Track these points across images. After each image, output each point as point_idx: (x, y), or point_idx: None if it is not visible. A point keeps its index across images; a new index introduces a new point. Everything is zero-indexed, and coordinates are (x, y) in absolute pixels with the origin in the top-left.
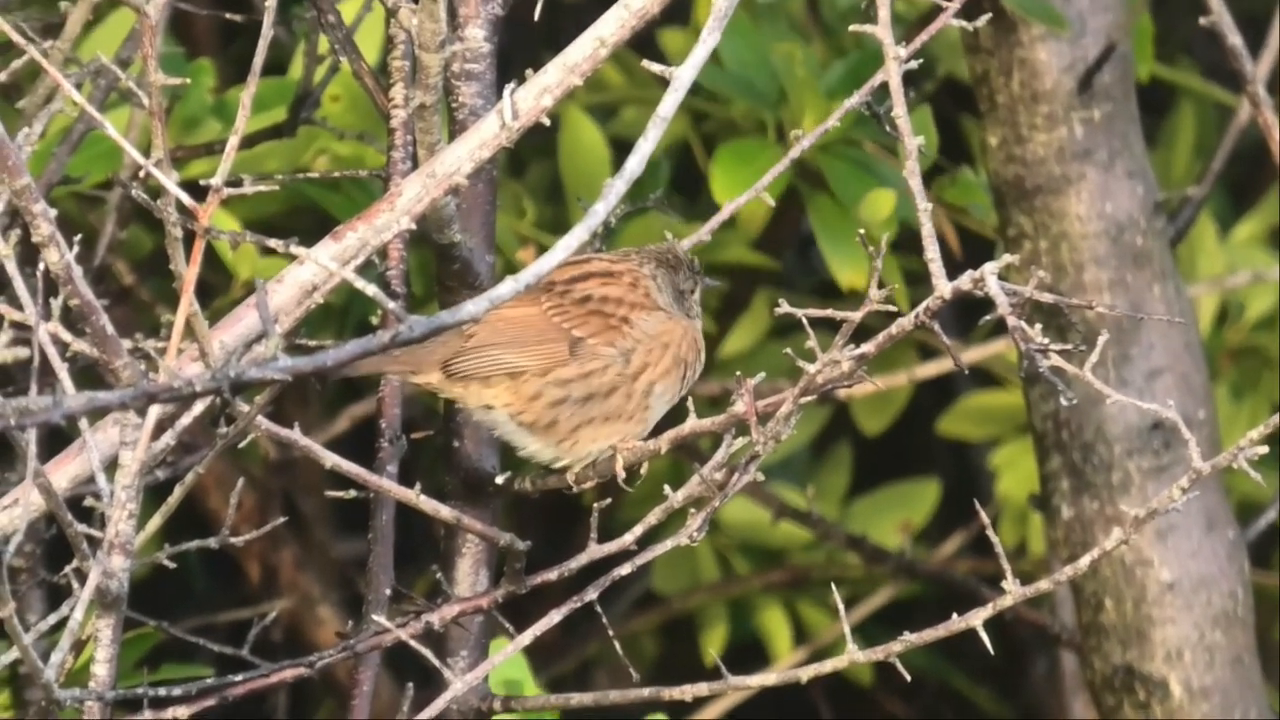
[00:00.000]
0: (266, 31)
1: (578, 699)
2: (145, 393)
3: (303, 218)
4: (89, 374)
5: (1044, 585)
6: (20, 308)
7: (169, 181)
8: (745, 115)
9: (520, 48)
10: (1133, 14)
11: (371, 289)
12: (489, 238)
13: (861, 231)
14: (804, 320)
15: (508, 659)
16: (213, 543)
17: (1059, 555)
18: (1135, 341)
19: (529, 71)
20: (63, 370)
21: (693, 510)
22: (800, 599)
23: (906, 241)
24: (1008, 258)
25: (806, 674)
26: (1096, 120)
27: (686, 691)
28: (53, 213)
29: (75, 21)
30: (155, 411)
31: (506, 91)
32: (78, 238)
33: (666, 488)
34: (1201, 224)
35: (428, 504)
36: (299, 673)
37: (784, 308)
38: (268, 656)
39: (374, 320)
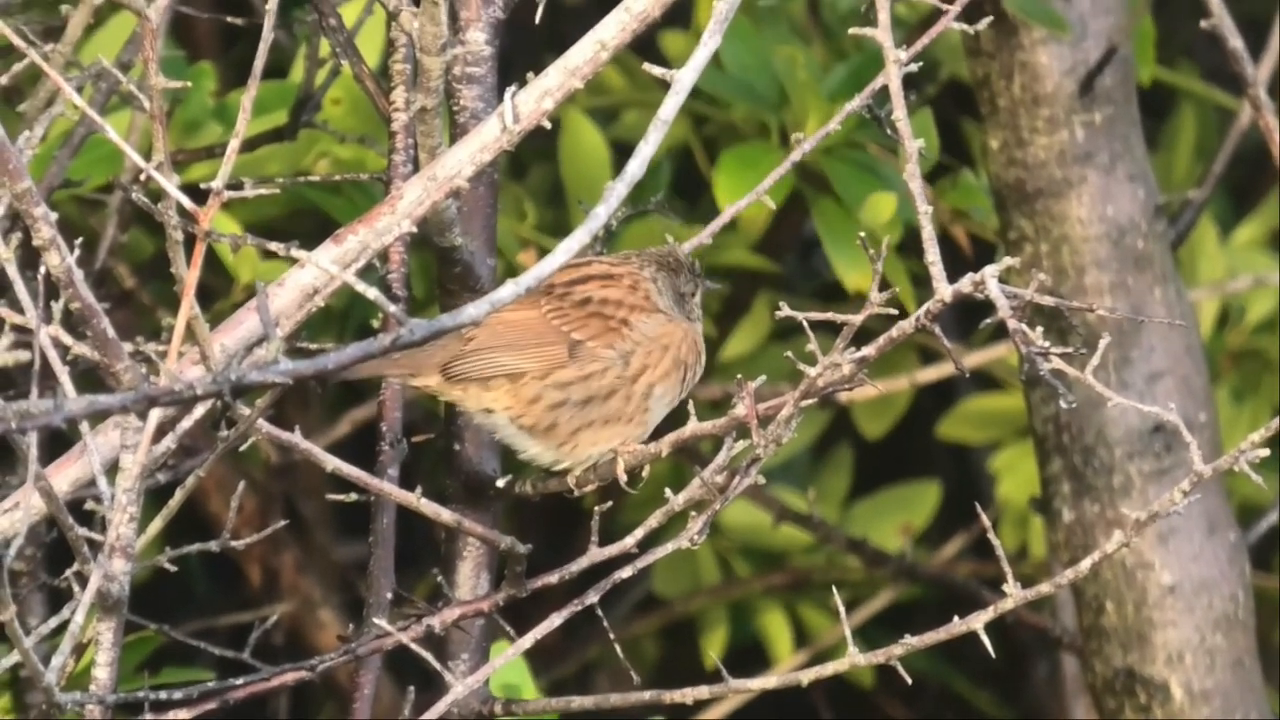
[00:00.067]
0: (267, 35)
1: (579, 702)
2: (146, 396)
3: (304, 221)
4: (90, 377)
5: (1045, 588)
6: (21, 311)
7: (170, 185)
8: (746, 118)
9: (521, 51)
10: (1134, 17)
11: (372, 292)
12: (490, 241)
13: (863, 235)
14: (805, 323)
15: (508, 662)
16: (214, 546)
17: (1060, 558)
18: (1136, 344)
19: (530, 74)
20: (64, 373)
21: (694, 513)
22: (801, 602)
23: (911, 243)
24: (1008, 261)
25: (807, 677)
26: (1097, 123)
27: (688, 694)
28: (54, 216)
29: (76, 25)
30: (156, 415)
31: (508, 94)
32: (79, 241)
33: (667, 491)
34: (1202, 227)
35: (429, 507)
36: (300, 676)
37: (785, 311)
38: (269, 660)
39: (375, 323)
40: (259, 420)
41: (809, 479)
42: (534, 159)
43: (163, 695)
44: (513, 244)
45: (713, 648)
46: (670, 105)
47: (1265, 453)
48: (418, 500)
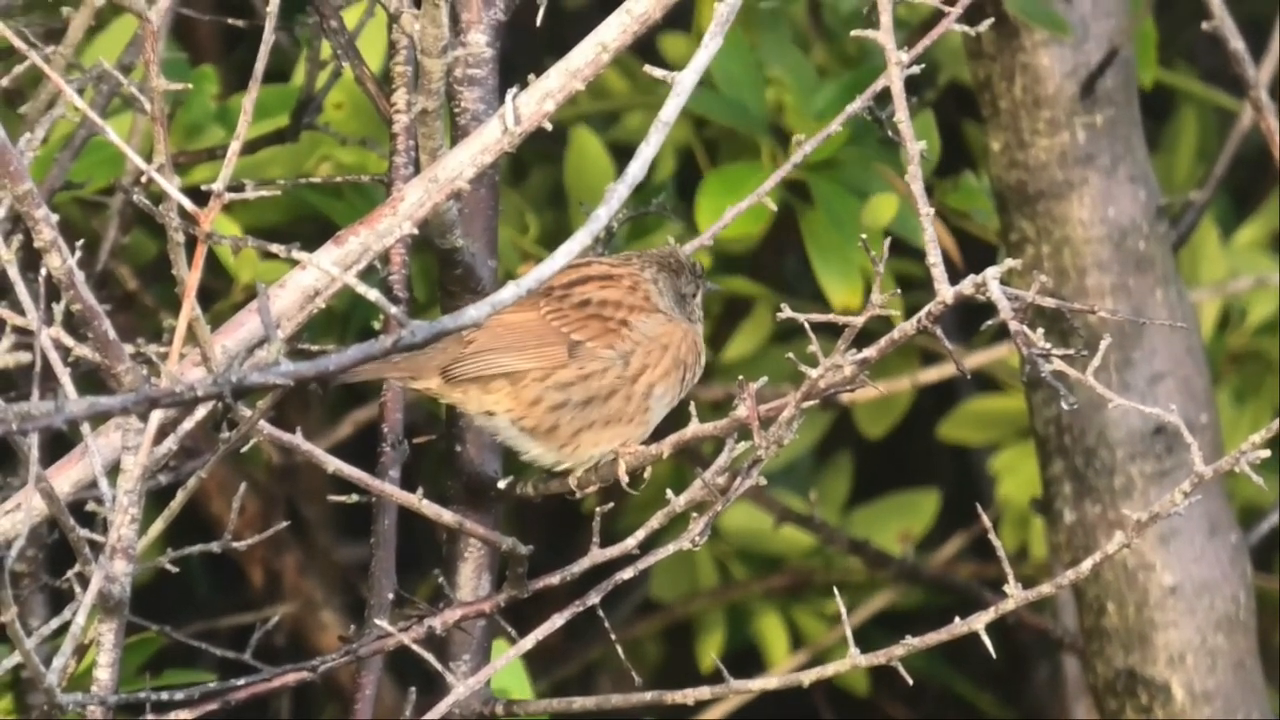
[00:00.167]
0: (268, 37)
1: (580, 703)
2: (147, 398)
3: (305, 223)
4: (91, 379)
5: (1046, 589)
6: (22, 313)
7: (171, 187)
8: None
9: (522, 53)
10: (1135, 19)
11: (374, 294)
12: (491, 243)
13: (864, 236)
14: (806, 325)
15: (509, 663)
16: (215, 547)
17: (1061, 559)
18: (1137, 346)
19: (531, 76)
20: (65, 375)
21: (695, 514)
22: (797, 607)
23: (897, 247)
24: (1010, 262)
25: (808, 678)
26: (1099, 125)
27: (689, 695)
28: (55, 218)
29: (77, 27)
30: (157, 416)
31: (509, 96)
32: (80, 243)
33: (669, 492)
34: (1204, 229)
35: (430, 509)
36: (302, 677)
37: (786, 312)
38: (270, 661)
39: (376, 325)
40: (260, 422)
41: (810, 481)
42: (535, 161)
43: (164, 696)
44: (513, 255)
45: (710, 651)
46: (672, 106)
47: (1266, 454)
48: (419, 501)
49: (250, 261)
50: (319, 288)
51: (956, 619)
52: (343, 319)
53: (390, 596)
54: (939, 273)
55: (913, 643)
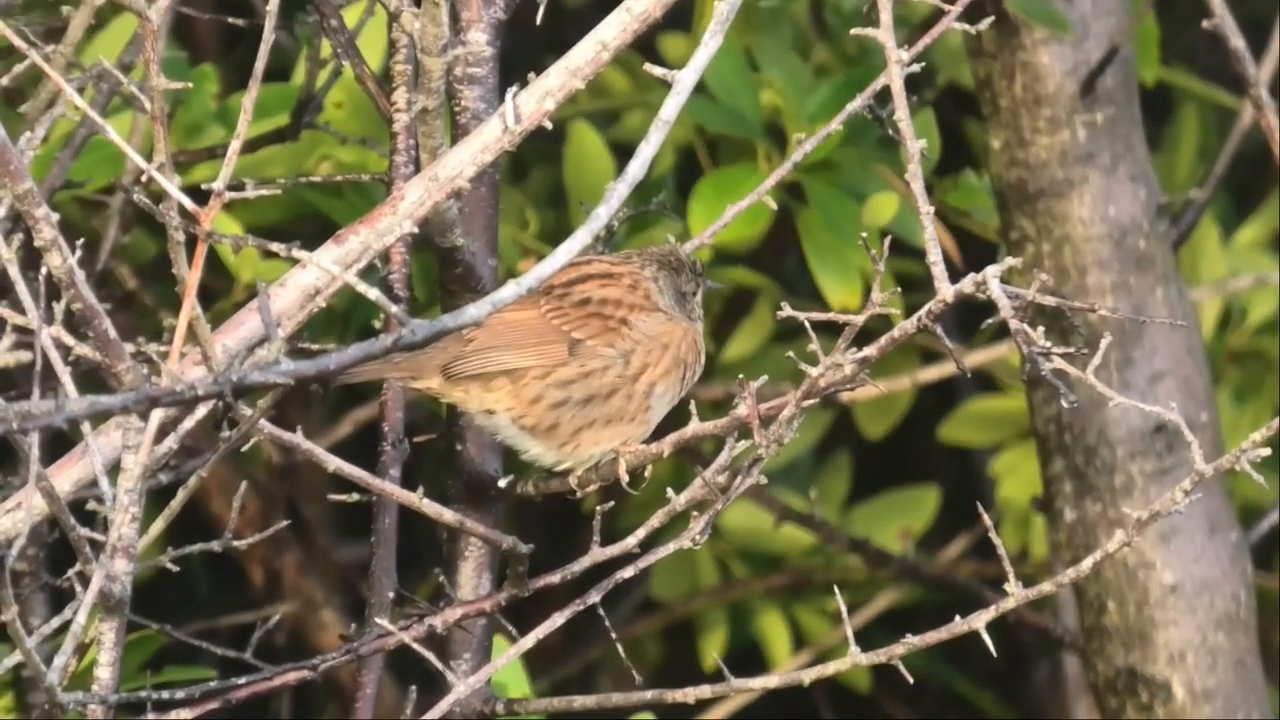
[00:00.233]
0: (269, 36)
1: (581, 701)
2: (148, 397)
3: (305, 222)
4: (91, 378)
5: (1046, 587)
6: (23, 312)
7: (171, 186)
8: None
9: (523, 51)
10: (1136, 17)
11: (374, 293)
12: (491, 241)
13: (864, 235)
14: (806, 324)
15: (510, 662)
16: (216, 546)
17: (1062, 558)
18: (1138, 345)
19: (531, 75)
20: (65, 374)
21: (695, 513)
22: (799, 605)
23: (897, 246)
24: (1010, 261)
25: (809, 676)
26: (1099, 123)
27: (689, 694)
28: (55, 217)
29: (77, 26)
30: (158, 415)
31: (509, 95)
32: (80, 242)
33: (669, 491)
34: (1204, 227)
35: (430, 507)
36: (302, 676)
37: (787, 311)
38: (271, 660)
39: (376, 324)
40: (261, 421)
41: (810, 480)
42: (535, 160)
43: (165, 695)
44: (514, 252)
45: (712, 649)
46: (672, 105)
47: (1266, 452)
48: (420, 500)
49: (251, 260)
50: (319, 286)
51: (957, 618)
52: (343, 318)
53: (391, 595)
54: (939, 271)
55: (913, 641)
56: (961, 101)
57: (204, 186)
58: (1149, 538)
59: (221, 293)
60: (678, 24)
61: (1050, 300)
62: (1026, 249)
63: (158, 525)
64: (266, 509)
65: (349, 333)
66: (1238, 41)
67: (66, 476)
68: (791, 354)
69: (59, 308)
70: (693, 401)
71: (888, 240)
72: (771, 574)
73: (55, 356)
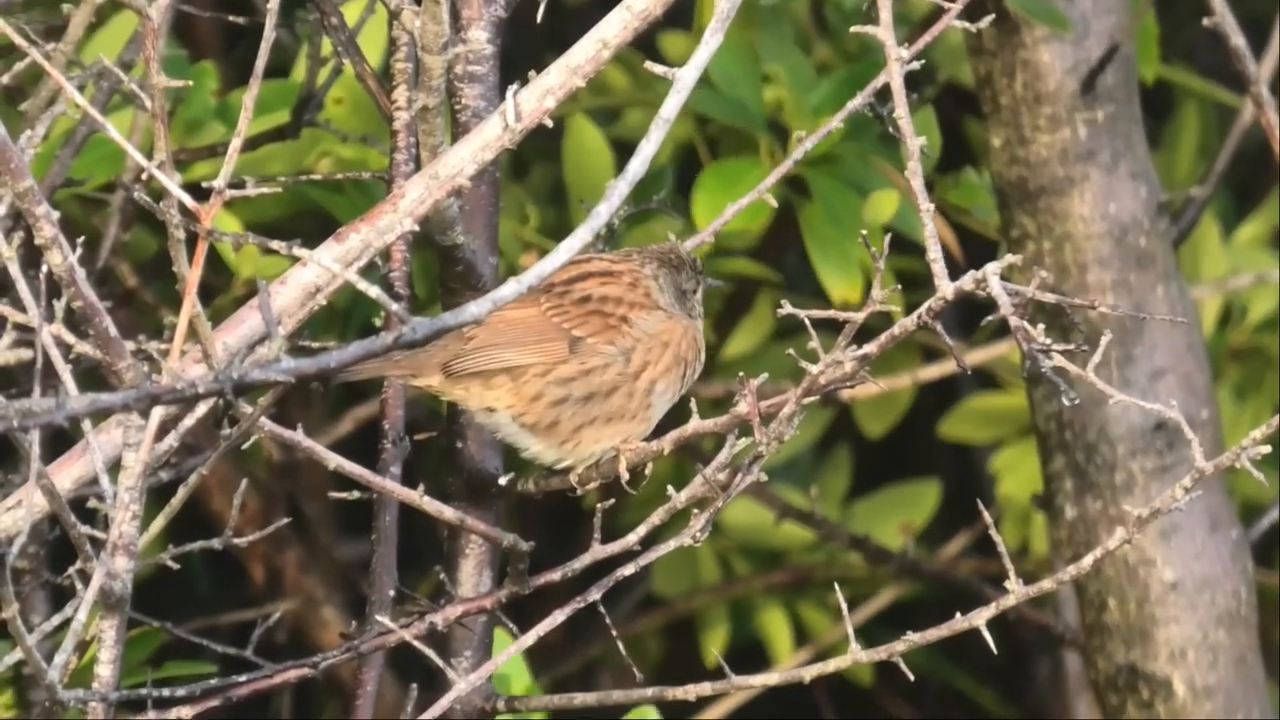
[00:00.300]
0: (269, 34)
1: (581, 699)
2: (148, 394)
3: (306, 220)
4: (92, 376)
5: (1047, 585)
6: (23, 310)
7: (172, 184)
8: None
9: (523, 49)
10: (1136, 15)
11: (374, 291)
12: (492, 239)
13: (864, 233)
14: (807, 321)
15: (510, 659)
16: (216, 544)
17: (1062, 555)
18: (1138, 342)
19: (532, 73)
20: (66, 372)
21: (696, 511)
22: (801, 601)
23: (898, 243)
24: (1010, 258)
25: (809, 673)
26: (1100, 121)
27: (690, 691)
28: (56, 215)
29: (78, 24)
30: (158, 413)
31: (509, 93)
32: (81, 240)
33: (670, 488)
34: (1205, 225)
35: (431, 505)
36: (303, 673)
37: (787, 309)
38: (272, 657)
39: (377, 322)
40: (261, 418)
41: (811, 478)
42: (536, 158)
43: (165, 693)
44: (515, 246)
45: (713, 646)
46: (672, 104)
47: (1267, 450)
48: (420, 498)
49: (251, 258)
50: (320, 284)
51: (958, 615)
52: (344, 316)
53: (391, 593)
54: (939, 268)
55: (914, 639)
56: (962, 99)
57: (204, 184)
58: (1150, 535)
59: (222, 290)
60: (678, 22)
61: (1050, 298)
62: (1027, 247)
63: (158, 523)
64: (267, 506)
65: (350, 330)
66: (1238, 39)
67: (67, 474)
68: (792, 351)
69: (60, 305)
70: (693, 399)
71: (888, 238)
72: (772, 571)
73: (56, 354)
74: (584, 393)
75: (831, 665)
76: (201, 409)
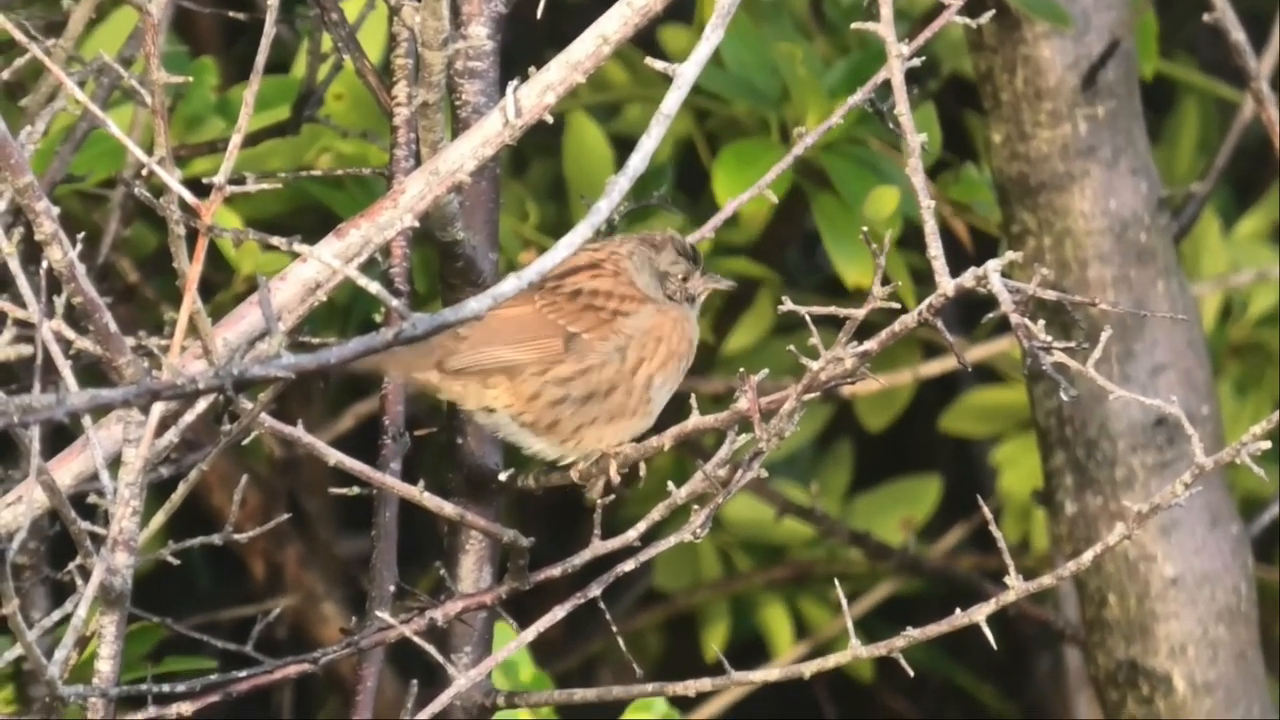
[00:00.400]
0: (269, 30)
1: (581, 694)
2: (149, 390)
3: (306, 216)
4: (92, 371)
5: (1047, 580)
6: (23, 305)
7: (172, 180)
8: (748, 114)
9: (523, 45)
10: (1136, 11)
11: (374, 286)
12: (492, 235)
13: (865, 230)
14: (807, 317)
15: (510, 654)
16: (217, 540)
17: (1062, 551)
18: (1139, 338)
19: (532, 69)
20: (66, 368)
21: (696, 506)
22: (801, 596)
23: (912, 238)
24: (1011, 255)
25: (809, 669)
26: (1100, 117)
27: (690, 686)
28: (56, 211)
29: (78, 20)
30: (159, 409)
31: (510, 89)
32: (81, 236)
33: (670, 484)
34: (1205, 221)
35: (431, 501)
36: (303, 669)
37: (787, 305)
38: (272, 653)
39: (377, 318)
40: (261, 414)
41: (811, 473)
42: (536, 154)
43: (165, 688)
44: (515, 243)
45: (714, 642)
46: (672, 99)
47: (1267, 445)
48: (420, 494)
49: (251, 254)
50: (320, 280)
51: (958, 611)
52: (344, 312)
53: (391, 589)
54: (940, 265)
55: (914, 634)
56: (963, 94)
57: (204, 180)
58: (1150, 531)
59: (222, 286)
60: (679, 17)
61: (1051, 294)
62: (1027, 243)
63: (159, 518)
64: (267, 502)
65: (350, 326)
66: (1238, 35)
67: (67, 470)
68: (792, 347)
69: (60, 301)
70: (693, 395)
71: (889, 235)
72: (773, 566)
73: (56, 350)
74: (583, 393)
75: (831, 661)
76: (202, 405)
